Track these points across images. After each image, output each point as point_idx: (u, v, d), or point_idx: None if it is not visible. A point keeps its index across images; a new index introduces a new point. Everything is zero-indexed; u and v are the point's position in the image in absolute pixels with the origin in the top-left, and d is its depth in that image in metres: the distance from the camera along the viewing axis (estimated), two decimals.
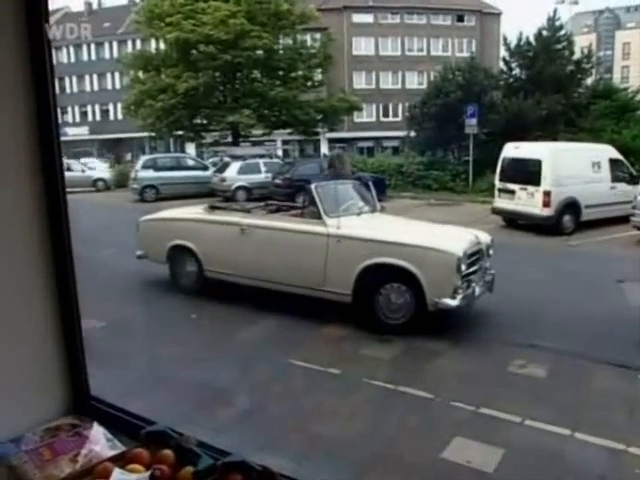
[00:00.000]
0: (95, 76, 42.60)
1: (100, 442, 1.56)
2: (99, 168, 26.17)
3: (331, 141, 36.53)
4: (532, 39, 22.95)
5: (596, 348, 5.54)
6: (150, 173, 19.76)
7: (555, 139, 17.62)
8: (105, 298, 6.44)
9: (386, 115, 39.75)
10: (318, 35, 29.94)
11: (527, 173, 12.77)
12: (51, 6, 1.63)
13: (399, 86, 39.63)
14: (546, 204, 12.34)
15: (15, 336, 1.62)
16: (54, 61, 1.67)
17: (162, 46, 27.00)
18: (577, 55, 23.58)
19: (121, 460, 1.45)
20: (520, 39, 23.15)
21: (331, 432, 4.04)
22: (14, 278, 1.62)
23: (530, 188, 12.64)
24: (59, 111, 1.69)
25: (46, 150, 1.65)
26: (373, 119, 39.42)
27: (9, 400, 1.54)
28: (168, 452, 1.46)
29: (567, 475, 3.54)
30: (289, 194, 14.79)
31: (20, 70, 1.57)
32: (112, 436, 1.60)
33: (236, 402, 4.54)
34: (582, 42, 32.82)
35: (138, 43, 35.62)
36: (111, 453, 1.52)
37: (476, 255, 6.29)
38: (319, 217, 6.58)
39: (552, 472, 3.55)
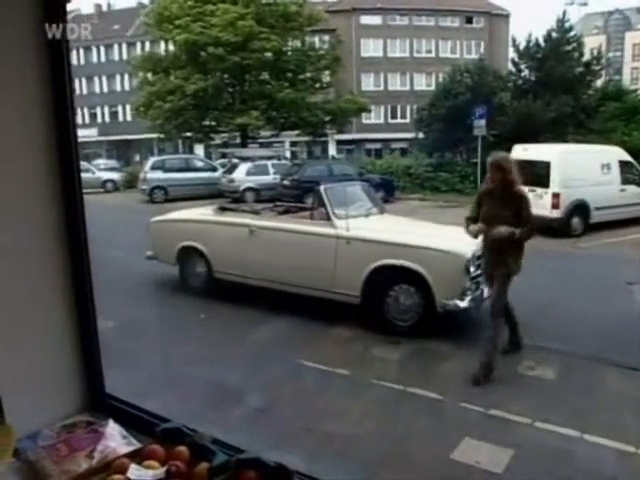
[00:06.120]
0: (104, 78, 42.80)
1: (115, 439, 1.58)
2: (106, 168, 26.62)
3: (339, 143, 36.55)
4: (541, 41, 22.95)
5: (605, 350, 5.50)
6: (159, 174, 19.83)
7: (564, 141, 17.57)
8: (114, 298, 6.47)
9: (394, 117, 39.68)
10: (326, 37, 30.09)
11: (536, 175, 12.64)
12: None
13: (407, 88, 39.56)
14: (555, 206, 12.29)
15: (33, 335, 1.64)
16: None
17: (171, 48, 27.16)
18: (587, 56, 23.57)
19: (137, 456, 1.46)
20: (529, 41, 23.16)
21: (341, 431, 4.04)
22: (32, 278, 1.64)
23: (539, 190, 12.54)
24: None
25: (63, 151, 1.66)
26: (381, 121, 39.36)
27: (26, 397, 1.55)
28: (183, 449, 1.47)
29: (577, 476, 3.53)
30: (297, 195, 14.81)
31: (37, 70, 1.58)
32: (127, 433, 1.62)
33: (247, 401, 4.56)
34: (592, 43, 32.71)
35: (147, 45, 35.82)
36: (126, 449, 1.52)
37: None
38: (328, 218, 6.60)
39: (562, 473, 3.55)
